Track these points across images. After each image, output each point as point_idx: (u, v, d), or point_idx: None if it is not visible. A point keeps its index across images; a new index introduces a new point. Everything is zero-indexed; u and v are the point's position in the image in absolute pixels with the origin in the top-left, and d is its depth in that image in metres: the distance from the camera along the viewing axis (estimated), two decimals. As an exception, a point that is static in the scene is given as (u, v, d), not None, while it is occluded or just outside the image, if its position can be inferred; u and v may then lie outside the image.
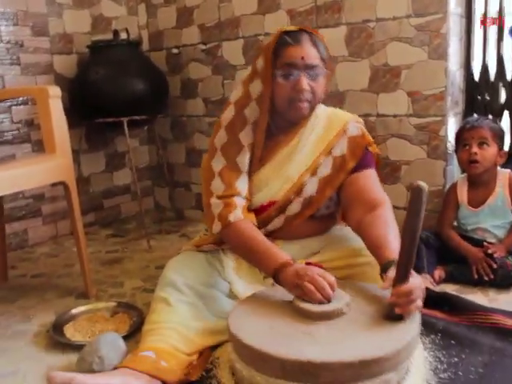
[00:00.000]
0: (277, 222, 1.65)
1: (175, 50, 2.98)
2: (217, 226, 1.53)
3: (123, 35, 2.71)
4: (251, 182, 1.64)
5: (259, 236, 1.50)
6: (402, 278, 1.23)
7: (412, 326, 1.27)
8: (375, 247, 1.41)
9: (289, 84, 1.55)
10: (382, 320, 1.28)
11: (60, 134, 1.89)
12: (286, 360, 1.15)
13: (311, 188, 1.63)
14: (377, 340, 1.21)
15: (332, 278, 1.31)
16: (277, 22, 2.48)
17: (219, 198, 1.56)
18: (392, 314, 1.27)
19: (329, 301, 1.30)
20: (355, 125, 1.67)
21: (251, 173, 1.64)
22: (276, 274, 1.37)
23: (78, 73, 2.76)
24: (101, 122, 2.66)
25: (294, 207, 1.64)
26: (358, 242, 1.61)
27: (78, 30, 2.85)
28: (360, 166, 1.62)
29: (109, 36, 2.70)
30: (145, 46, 3.12)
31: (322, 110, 1.70)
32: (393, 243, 1.37)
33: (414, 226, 1.18)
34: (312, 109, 1.62)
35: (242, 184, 1.60)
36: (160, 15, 3.03)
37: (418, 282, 1.26)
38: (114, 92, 2.59)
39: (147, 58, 2.92)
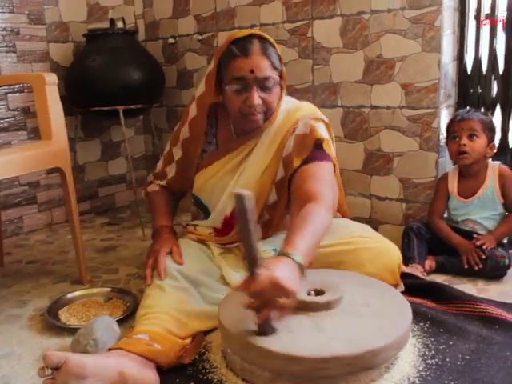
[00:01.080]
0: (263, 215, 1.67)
1: (171, 40, 2.99)
2: (142, 192, 1.93)
3: (119, 24, 2.71)
4: (201, 179, 1.71)
5: (160, 202, 1.81)
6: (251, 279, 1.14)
7: (405, 318, 1.30)
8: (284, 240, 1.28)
9: (240, 98, 1.52)
10: (371, 312, 1.31)
11: (56, 120, 1.90)
12: (266, 352, 1.17)
13: (272, 195, 1.65)
14: (366, 334, 1.23)
15: (163, 254, 1.55)
16: (272, 13, 2.50)
17: (153, 174, 1.90)
18: (261, 327, 1.21)
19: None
20: (305, 121, 1.59)
21: (200, 168, 1.71)
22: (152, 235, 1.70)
23: (74, 61, 2.77)
24: (96, 111, 2.67)
25: (263, 216, 1.66)
26: (350, 229, 1.64)
27: (75, 19, 2.86)
28: (304, 162, 1.54)
29: (105, 25, 2.70)
30: (141, 35, 3.12)
31: (286, 106, 1.65)
32: (296, 237, 1.24)
33: (245, 229, 1.13)
34: (267, 118, 1.59)
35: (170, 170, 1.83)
36: (156, 5, 3.04)
37: (264, 280, 1.10)
38: (110, 81, 2.60)
39: (143, 48, 2.93)
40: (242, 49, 1.50)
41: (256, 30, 1.58)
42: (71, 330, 1.57)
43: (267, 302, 1.14)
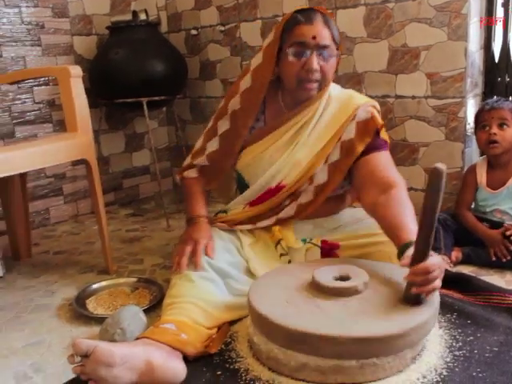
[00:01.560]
0: (289, 210, 1.67)
1: (194, 32, 2.99)
2: (178, 177, 1.87)
3: (142, 16, 2.72)
4: (249, 155, 1.68)
5: (197, 189, 1.76)
6: (420, 257, 1.21)
7: (428, 306, 1.28)
8: (391, 228, 1.39)
9: (299, 63, 1.55)
10: (397, 300, 1.30)
11: (81, 112, 1.92)
12: (295, 331, 1.19)
13: (322, 175, 1.64)
14: (390, 318, 1.23)
15: (202, 245, 1.53)
16: (295, 3, 2.47)
17: (191, 155, 1.83)
18: (410, 296, 1.26)
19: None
20: (366, 109, 1.62)
21: (248, 144, 1.69)
22: (187, 223, 1.66)
23: (98, 54, 2.79)
24: (120, 103, 2.69)
25: (307, 195, 1.66)
26: (373, 222, 1.63)
27: (98, 12, 2.88)
28: (370, 149, 1.59)
29: (128, 17, 2.71)
30: (163, 27, 3.13)
31: (337, 92, 1.69)
32: (409, 225, 1.34)
33: (432, 207, 1.17)
34: (321, 89, 1.61)
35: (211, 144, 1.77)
36: (179, -4, 3.04)
37: (437, 261, 1.23)
38: (134, 73, 2.61)
39: (166, 40, 2.94)
40: (306, 17, 1.55)
41: (317, 6, 1.65)
42: (99, 320, 1.59)
43: (433, 278, 1.22)
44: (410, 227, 1.33)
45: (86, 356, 1.17)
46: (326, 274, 1.37)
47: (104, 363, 1.16)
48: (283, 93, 1.68)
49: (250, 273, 1.60)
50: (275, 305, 1.30)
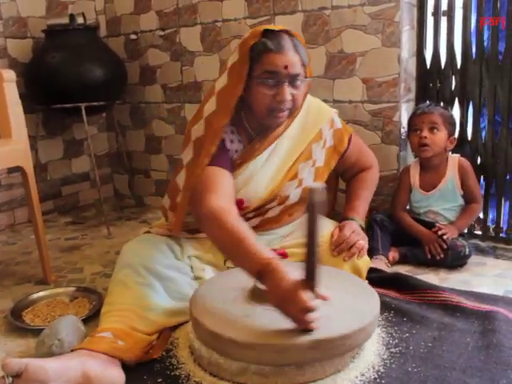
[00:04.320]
0: (251, 223, 1.65)
1: (133, 36, 2.95)
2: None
3: (80, 20, 2.66)
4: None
5: (242, 227, 1.34)
6: (309, 275, 1.22)
7: (373, 307, 1.33)
8: (346, 201, 1.83)
9: (270, 93, 1.51)
10: (339, 304, 1.32)
11: (16, 118, 1.87)
12: (238, 342, 1.19)
13: (294, 196, 1.70)
14: (331, 323, 1.24)
15: (310, 304, 1.15)
16: (235, 9, 2.50)
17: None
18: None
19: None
20: (338, 118, 1.80)
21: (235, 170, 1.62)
22: (259, 279, 1.25)
23: (34, 57, 2.71)
24: (58, 108, 2.63)
25: (274, 212, 1.70)
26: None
27: (33, 14, 2.80)
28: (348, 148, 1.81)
29: (65, 20, 2.65)
30: (102, 31, 3.08)
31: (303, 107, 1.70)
32: (356, 202, 1.78)
33: (311, 229, 1.19)
34: (291, 115, 1.61)
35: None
36: (117, 0, 2.99)
37: (348, 229, 1.62)
38: (71, 77, 2.56)
39: (105, 44, 2.89)
40: (276, 44, 1.49)
41: (283, 26, 1.57)
42: (36, 331, 1.55)
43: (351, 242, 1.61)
44: (357, 206, 1.76)
45: (17, 376, 1.13)
46: None
47: (37, 381, 1.13)
48: (248, 115, 1.64)
49: (192, 275, 1.59)
50: (216, 315, 1.29)
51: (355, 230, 1.64)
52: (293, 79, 1.51)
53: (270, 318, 1.25)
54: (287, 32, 1.54)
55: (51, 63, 2.56)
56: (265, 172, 1.64)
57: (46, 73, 2.57)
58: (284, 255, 1.64)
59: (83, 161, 3.17)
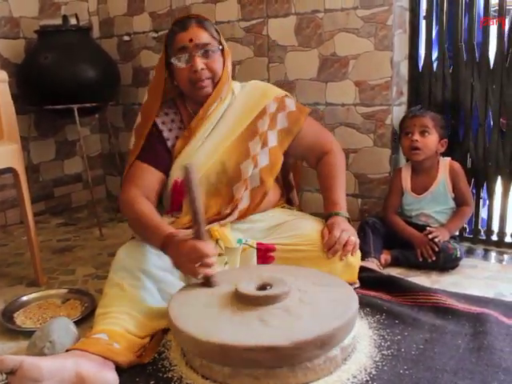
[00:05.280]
0: (245, 200, 1.73)
1: (126, 38, 2.96)
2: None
3: (73, 21, 2.66)
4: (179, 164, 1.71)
5: (148, 211, 1.56)
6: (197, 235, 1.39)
7: (351, 305, 1.33)
8: (323, 194, 1.83)
9: (186, 68, 1.67)
10: (321, 304, 1.33)
11: (8, 119, 1.86)
12: (219, 345, 1.19)
13: (263, 159, 1.75)
14: (314, 321, 1.26)
15: (206, 250, 1.36)
16: (228, 11, 2.51)
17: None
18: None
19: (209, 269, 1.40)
20: (291, 100, 1.85)
21: (176, 153, 1.74)
22: (163, 249, 1.44)
23: (26, 58, 2.71)
24: (50, 109, 2.62)
25: (254, 182, 1.75)
26: (306, 230, 1.71)
27: (25, 14, 2.79)
28: (299, 113, 1.83)
29: (58, 21, 2.64)
30: (95, 32, 3.08)
31: (247, 85, 1.84)
32: (334, 194, 1.77)
33: (192, 196, 1.38)
34: (216, 84, 1.71)
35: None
36: (110, 1, 3.00)
37: (337, 228, 1.64)
38: (64, 78, 2.55)
39: (98, 45, 2.89)
40: (181, 25, 1.68)
41: (195, 14, 1.77)
42: (27, 333, 1.54)
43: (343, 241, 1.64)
44: (337, 199, 1.76)
45: (11, 373, 1.13)
46: (249, 284, 1.38)
47: (31, 379, 1.13)
48: (188, 102, 1.79)
49: (184, 277, 1.59)
50: (195, 319, 1.30)
51: (344, 228, 1.66)
52: (202, 49, 1.65)
53: (248, 321, 1.26)
54: (196, 16, 1.72)
55: (44, 64, 2.56)
56: (206, 147, 1.73)
57: (39, 73, 2.56)
58: (272, 249, 1.68)
59: (75, 162, 3.16)
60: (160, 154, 1.73)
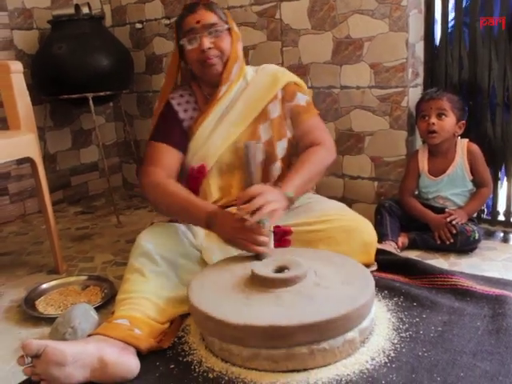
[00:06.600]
0: (275, 171, 1.76)
1: (138, 25, 2.95)
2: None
3: (85, 10, 2.66)
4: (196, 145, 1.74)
5: (182, 190, 1.57)
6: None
7: (368, 287, 1.33)
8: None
9: (195, 48, 1.68)
10: (338, 285, 1.34)
11: (24, 109, 1.88)
12: (241, 326, 1.21)
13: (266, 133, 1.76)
14: (331, 303, 1.26)
15: (262, 229, 1.40)
16: (241, -3, 2.50)
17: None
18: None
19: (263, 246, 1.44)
20: (304, 93, 1.82)
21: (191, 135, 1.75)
22: (208, 226, 1.48)
23: (40, 49, 2.72)
24: (65, 99, 2.63)
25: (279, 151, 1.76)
26: (325, 207, 1.71)
27: (38, 5, 2.80)
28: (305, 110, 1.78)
29: (70, 11, 2.65)
30: (108, 21, 3.08)
31: (259, 69, 1.83)
32: (294, 177, 1.58)
33: (249, 170, 1.51)
34: (225, 63, 1.72)
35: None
36: (122, -11, 2.99)
37: (258, 189, 1.42)
38: (78, 68, 2.56)
39: (110, 34, 2.89)
40: (189, 8, 1.72)
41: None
42: (49, 320, 1.57)
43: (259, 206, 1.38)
44: (292, 177, 1.58)
45: (36, 356, 1.16)
46: (265, 266, 1.40)
47: (55, 362, 1.15)
48: (202, 85, 1.80)
49: (203, 262, 1.61)
50: (215, 301, 1.31)
51: (270, 197, 1.42)
52: (209, 29, 1.67)
53: (266, 303, 1.28)
54: (202, 1, 1.75)
55: (58, 54, 2.57)
56: (220, 130, 1.74)
57: (53, 64, 2.58)
58: (289, 232, 1.67)
59: (91, 151, 3.18)
60: (177, 134, 1.74)
